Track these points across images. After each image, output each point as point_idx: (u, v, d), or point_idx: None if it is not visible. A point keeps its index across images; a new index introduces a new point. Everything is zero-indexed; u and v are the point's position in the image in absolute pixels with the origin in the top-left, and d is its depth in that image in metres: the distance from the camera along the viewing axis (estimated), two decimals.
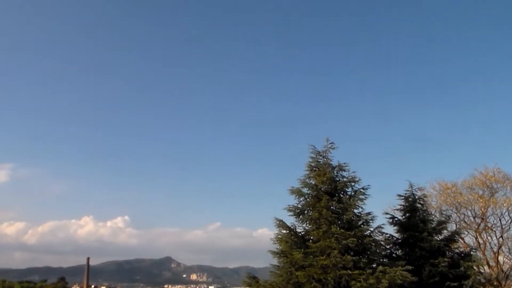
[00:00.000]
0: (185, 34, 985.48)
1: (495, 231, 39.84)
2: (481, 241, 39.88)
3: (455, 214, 40.03)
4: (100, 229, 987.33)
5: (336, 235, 17.99)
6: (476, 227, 40.08)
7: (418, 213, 23.36)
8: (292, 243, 19.31)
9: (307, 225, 19.89)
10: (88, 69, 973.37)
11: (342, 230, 18.18)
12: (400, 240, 23.06)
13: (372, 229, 19.46)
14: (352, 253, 18.24)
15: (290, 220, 20.14)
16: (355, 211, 19.48)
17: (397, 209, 24.44)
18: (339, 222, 18.86)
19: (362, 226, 19.25)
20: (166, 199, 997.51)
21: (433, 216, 24.52)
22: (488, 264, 37.89)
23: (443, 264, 20.80)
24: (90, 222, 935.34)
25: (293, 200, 20.39)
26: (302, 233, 19.94)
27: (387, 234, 22.86)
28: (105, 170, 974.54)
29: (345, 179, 20.27)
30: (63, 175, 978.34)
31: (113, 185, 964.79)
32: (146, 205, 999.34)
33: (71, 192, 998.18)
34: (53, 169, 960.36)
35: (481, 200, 38.83)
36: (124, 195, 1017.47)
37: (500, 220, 39.46)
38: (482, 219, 39.90)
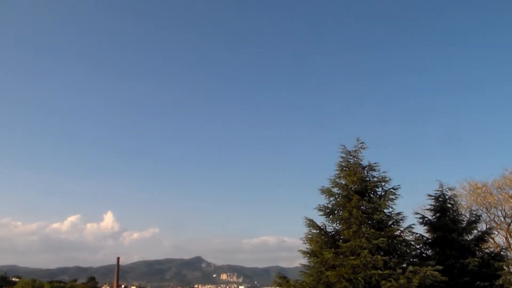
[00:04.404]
0: (212, 38, 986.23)
1: None
2: (511, 241, 39.57)
3: (485, 214, 39.92)
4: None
5: (366, 235, 18.13)
6: (507, 227, 39.81)
7: (448, 213, 23.34)
8: (322, 243, 19.43)
9: (337, 225, 20.03)
10: None
11: (372, 230, 18.32)
12: (430, 240, 23.08)
13: (402, 229, 19.45)
14: (382, 253, 18.31)
15: (320, 219, 20.31)
16: (386, 211, 19.58)
17: (427, 209, 24.45)
18: (369, 222, 18.94)
19: (392, 226, 19.31)
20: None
21: (463, 216, 24.44)
22: None
23: (473, 263, 20.76)
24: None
25: (323, 200, 20.54)
26: (332, 233, 20.06)
27: (417, 234, 22.80)
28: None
29: (375, 179, 20.32)
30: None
31: None
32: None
33: None
34: None
35: (511, 200, 38.55)
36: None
37: None
38: None
